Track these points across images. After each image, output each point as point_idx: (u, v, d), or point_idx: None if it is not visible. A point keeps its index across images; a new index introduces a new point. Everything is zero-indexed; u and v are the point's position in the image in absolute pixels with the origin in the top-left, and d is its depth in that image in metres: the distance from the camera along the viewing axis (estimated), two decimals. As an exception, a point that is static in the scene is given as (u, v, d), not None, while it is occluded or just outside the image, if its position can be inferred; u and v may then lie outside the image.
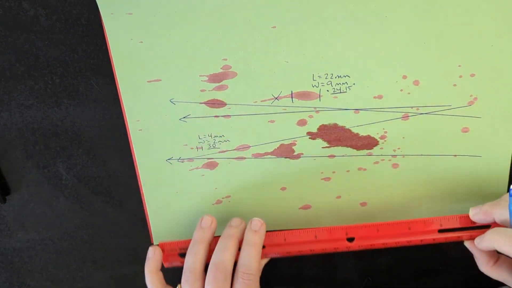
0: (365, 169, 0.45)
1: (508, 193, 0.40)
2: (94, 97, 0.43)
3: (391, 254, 0.50)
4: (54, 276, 0.50)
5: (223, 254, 0.41)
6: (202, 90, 0.42)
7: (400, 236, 0.44)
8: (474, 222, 0.42)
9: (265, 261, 0.45)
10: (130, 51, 0.40)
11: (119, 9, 0.39)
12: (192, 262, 0.42)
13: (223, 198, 0.46)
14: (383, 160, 0.45)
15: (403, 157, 0.45)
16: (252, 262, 0.41)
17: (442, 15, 0.39)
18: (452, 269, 0.51)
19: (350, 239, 0.44)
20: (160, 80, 0.42)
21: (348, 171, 0.45)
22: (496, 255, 0.42)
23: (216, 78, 0.42)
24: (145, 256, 0.45)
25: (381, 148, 0.44)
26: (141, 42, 0.40)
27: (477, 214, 0.42)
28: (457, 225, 0.43)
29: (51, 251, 0.49)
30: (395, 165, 0.45)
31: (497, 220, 0.41)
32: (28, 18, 0.40)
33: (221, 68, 0.41)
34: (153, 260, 0.44)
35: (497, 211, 0.40)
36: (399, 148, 0.44)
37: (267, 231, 0.43)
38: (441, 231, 0.43)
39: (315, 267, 0.51)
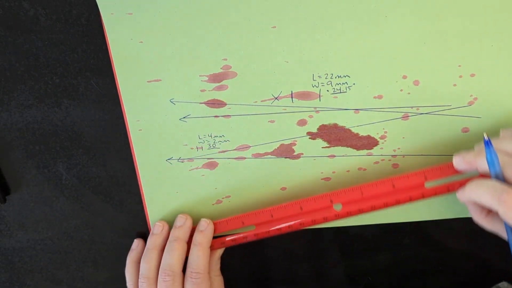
0: (365, 169, 0.45)
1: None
2: (94, 97, 0.43)
3: (391, 254, 0.50)
4: (54, 276, 0.50)
5: (170, 258, 0.43)
6: (202, 90, 0.42)
7: (386, 196, 0.43)
8: (460, 171, 0.41)
9: (219, 253, 0.47)
10: (130, 51, 0.41)
11: (119, 9, 0.39)
12: (146, 269, 0.44)
13: (223, 198, 0.46)
14: (383, 160, 0.45)
15: (403, 157, 0.45)
16: (199, 261, 0.43)
17: (442, 15, 0.39)
18: (452, 269, 0.51)
19: (337, 206, 0.44)
20: (160, 80, 0.42)
21: (348, 171, 0.45)
22: None
23: (216, 78, 0.42)
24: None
25: (381, 148, 0.44)
26: (141, 42, 0.40)
27: (460, 164, 0.40)
28: (443, 175, 0.42)
29: (51, 251, 0.49)
30: (395, 165, 0.45)
31: (480, 170, 0.39)
32: (28, 18, 0.40)
33: (221, 68, 0.41)
34: (135, 252, 0.46)
35: (479, 161, 0.38)
36: (399, 148, 0.44)
37: (254, 211, 0.45)
38: (428, 185, 0.42)
39: (314, 267, 0.51)
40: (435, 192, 0.42)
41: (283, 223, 0.44)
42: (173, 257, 0.43)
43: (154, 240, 0.45)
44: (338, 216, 0.44)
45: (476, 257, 0.50)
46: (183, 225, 0.45)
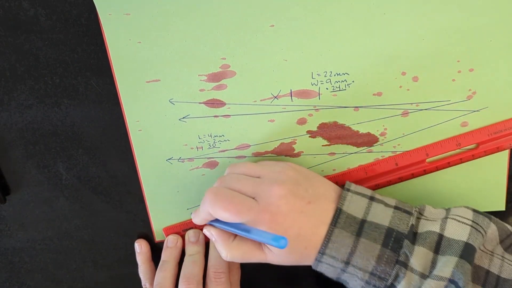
0: (365, 167, 0.45)
1: None
2: (94, 97, 0.43)
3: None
4: (54, 276, 0.49)
5: (193, 267, 0.44)
6: (201, 90, 0.42)
7: (389, 173, 0.44)
8: (459, 145, 0.42)
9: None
10: (128, 52, 0.41)
11: (117, 10, 0.39)
12: (162, 278, 0.44)
13: (223, 197, 0.46)
14: (383, 157, 0.45)
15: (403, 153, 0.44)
16: (222, 260, 0.44)
17: (440, 11, 0.39)
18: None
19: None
20: (159, 80, 0.42)
21: (348, 168, 0.45)
22: None
23: (215, 77, 0.42)
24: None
25: (381, 145, 0.44)
26: (140, 42, 0.40)
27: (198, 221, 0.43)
28: (444, 151, 0.43)
29: (51, 251, 0.48)
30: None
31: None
32: (28, 18, 0.40)
33: (219, 67, 0.41)
34: (143, 253, 0.47)
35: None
36: (399, 145, 0.44)
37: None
38: (430, 160, 0.43)
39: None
40: (436, 168, 0.43)
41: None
42: (196, 267, 0.44)
43: (170, 252, 0.46)
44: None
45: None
46: (198, 239, 0.46)
